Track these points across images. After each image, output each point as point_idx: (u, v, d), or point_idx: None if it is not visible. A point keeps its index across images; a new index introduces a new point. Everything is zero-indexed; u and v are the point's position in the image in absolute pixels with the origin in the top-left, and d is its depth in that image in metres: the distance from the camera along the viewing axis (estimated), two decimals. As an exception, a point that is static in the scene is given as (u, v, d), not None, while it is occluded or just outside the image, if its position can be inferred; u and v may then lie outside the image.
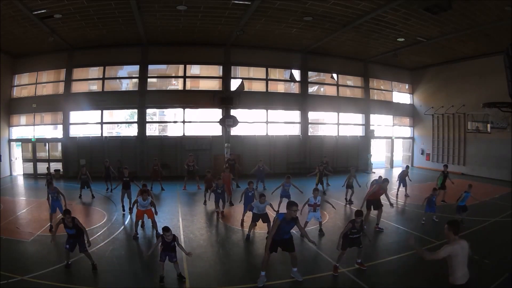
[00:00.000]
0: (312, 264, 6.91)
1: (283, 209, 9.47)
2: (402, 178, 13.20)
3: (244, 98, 18.52)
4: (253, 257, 7.29)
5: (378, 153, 23.74)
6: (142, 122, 18.07)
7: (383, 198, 9.30)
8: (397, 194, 12.87)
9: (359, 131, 21.71)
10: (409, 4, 11.82)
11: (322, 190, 13.72)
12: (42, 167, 18.25)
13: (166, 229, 5.86)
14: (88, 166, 17.33)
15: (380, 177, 11.27)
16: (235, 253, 7.52)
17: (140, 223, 8.58)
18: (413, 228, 9.13)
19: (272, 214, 8.84)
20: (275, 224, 5.71)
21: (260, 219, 8.28)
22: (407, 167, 14.34)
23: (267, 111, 19.37)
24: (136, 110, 18.21)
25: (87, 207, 11.50)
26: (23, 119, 18.74)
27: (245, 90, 18.59)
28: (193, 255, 6.40)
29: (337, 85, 20.85)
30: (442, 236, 8.04)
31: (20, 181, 16.91)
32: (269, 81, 19.43)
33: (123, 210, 10.57)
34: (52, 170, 17.89)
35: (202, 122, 19.02)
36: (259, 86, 19.38)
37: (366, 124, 21.68)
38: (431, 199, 9.35)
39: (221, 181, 10.18)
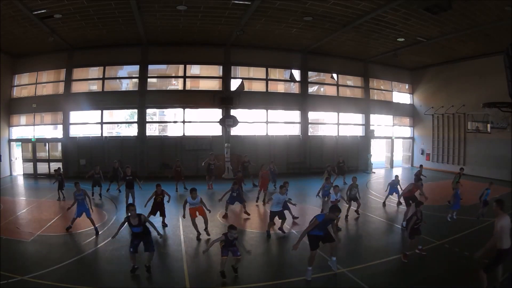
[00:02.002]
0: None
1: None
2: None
3: (244, 98, 18.52)
4: (253, 257, 7.27)
5: (378, 153, 23.74)
6: (142, 122, 18.07)
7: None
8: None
9: (359, 131, 21.71)
10: (409, 4, 11.83)
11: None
12: (42, 167, 18.28)
13: (232, 227, 6.01)
14: (88, 166, 17.41)
15: (396, 176, 11.81)
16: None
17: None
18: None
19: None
20: (313, 223, 6.01)
21: (277, 216, 8.50)
22: (421, 166, 14.85)
23: (267, 111, 19.37)
24: (136, 110, 18.21)
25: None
26: (23, 119, 18.75)
27: (245, 90, 18.59)
28: (193, 255, 6.40)
29: (337, 85, 20.84)
30: (443, 236, 8.10)
31: (20, 181, 16.90)
32: (269, 81, 19.42)
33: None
34: (52, 170, 17.94)
35: (202, 122, 19.03)
36: (259, 86, 19.38)
37: (366, 124, 21.67)
38: (456, 193, 9.79)
39: (236, 185, 10.35)
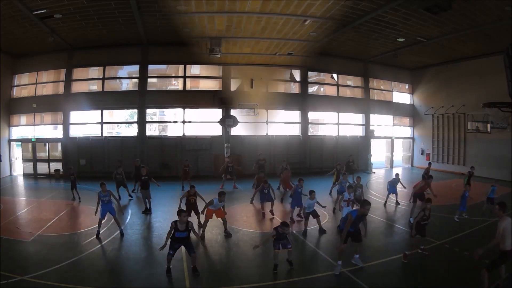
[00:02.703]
0: (312, 264, 6.93)
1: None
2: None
3: (245, 98, 18.51)
4: (253, 257, 7.28)
5: (378, 153, 23.74)
6: (142, 122, 18.07)
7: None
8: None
9: (359, 131, 21.71)
10: (409, 4, 11.81)
11: (330, 190, 13.69)
12: (42, 167, 18.27)
13: (285, 224, 6.34)
14: (88, 166, 17.43)
15: (397, 174, 11.94)
16: (235, 253, 7.52)
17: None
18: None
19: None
20: (350, 221, 6.24)
21: (311, 215, 8.71)
22: (430, 164, 15.28)
23: (267, 111, 19.36)
24: (136, 110, 18.21)
25: (87, 207, 11.44)
26: (23, 119, 18.75)
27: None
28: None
29: (337, 85, 20.84)
30: (443, 236, 8.10)
31: (20, 181, 16.89)
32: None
33: (148, 210, 10.50)
34: (52, 170, 17.97)
35: (202, 122, 19.02)
36: (259, 86, 19.36)
37: (366, 124, 21.67)
38: (464, 195, 9.73)
39: (267, 184, 10.38)
